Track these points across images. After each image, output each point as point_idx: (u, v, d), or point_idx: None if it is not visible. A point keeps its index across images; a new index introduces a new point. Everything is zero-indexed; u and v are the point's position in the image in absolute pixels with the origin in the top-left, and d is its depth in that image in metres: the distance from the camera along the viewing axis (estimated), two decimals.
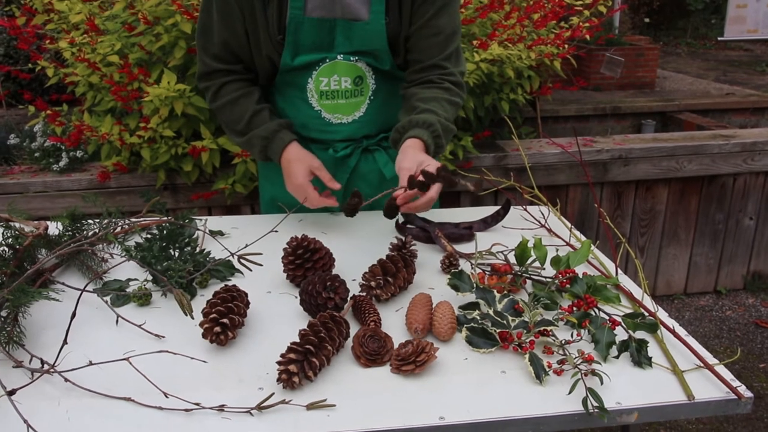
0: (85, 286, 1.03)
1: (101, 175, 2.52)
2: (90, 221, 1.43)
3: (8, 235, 1.28)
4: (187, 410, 0.94)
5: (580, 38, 3.03)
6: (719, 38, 8.13)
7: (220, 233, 1.56)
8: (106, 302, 1.17)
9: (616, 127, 4.55)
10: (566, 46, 2.95)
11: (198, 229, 1.46)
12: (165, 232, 1.32)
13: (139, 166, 2.59)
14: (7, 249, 1.28)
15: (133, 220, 1.42)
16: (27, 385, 0.97)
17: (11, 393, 0.87)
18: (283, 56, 1.48)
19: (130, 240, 1.50)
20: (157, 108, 2.38)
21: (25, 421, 0.85)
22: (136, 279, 1.33)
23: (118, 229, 1.50)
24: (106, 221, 1.39)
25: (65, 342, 0.99)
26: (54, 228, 1.44)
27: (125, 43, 2.49)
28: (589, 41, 3.17)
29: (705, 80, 6.34)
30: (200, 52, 1.55)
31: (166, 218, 1.39)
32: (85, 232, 1.40)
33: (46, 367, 0.96)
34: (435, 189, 1.30)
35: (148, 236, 1.43)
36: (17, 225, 1.37)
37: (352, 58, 1.51)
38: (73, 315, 0.98)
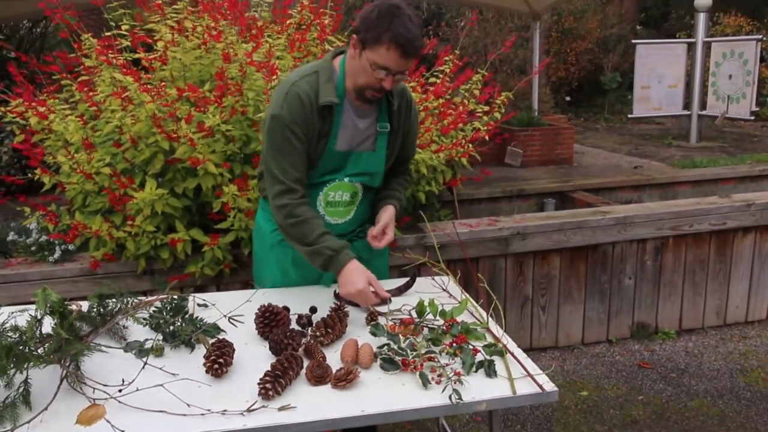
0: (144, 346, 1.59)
1: (93, 264, 3.04)
2: (112, 300, 1.98)
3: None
4: (202, 414, 1.50)
5: (480, 139, 3.80)
6: (629, 116, 9.12)
7: (206, 305, 2.13)
8: (135, 354, 1.72)
9: (522, 206, 5.33)
10: (470, 146, 3.70)
11: (195, 304, 2.02)
12: (174, 305, 1.89)
13: (123, 255, 3.12)
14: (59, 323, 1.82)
15: (151, 299, 1.99)
16: (109, 398, 1.51)
17: (120, 390, 1.41)
18: (312, 174, 2.13)
19: (140, 312, 2.05)
20: (140, 208, 2.95)
21: (114, 427, 1.40)
22: (149, 339, 1.88)
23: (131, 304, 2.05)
24: (125, 300, 1.95)
25: (141, 370, 1.56)
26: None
27: (112, 155, 3.08)
28: (489, 140, 3.93)
29: (618, 154, 7.27)
30: (282, 176, 2.03)
31: (170, 295, 1.96)
32: (109, 308, 1.95)
33: (119, 391, 1.50)
34: (390, 233, 2.16)
35: (154, 309, 1.99)
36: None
37: (353, 180, 2.19)
38: (145, 363, 1.54)
